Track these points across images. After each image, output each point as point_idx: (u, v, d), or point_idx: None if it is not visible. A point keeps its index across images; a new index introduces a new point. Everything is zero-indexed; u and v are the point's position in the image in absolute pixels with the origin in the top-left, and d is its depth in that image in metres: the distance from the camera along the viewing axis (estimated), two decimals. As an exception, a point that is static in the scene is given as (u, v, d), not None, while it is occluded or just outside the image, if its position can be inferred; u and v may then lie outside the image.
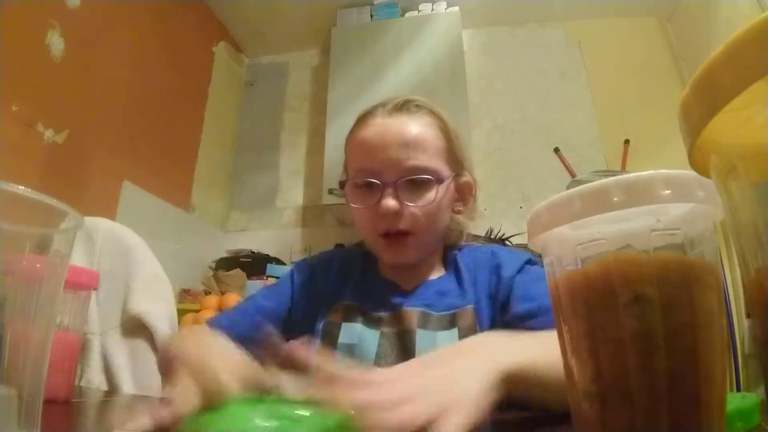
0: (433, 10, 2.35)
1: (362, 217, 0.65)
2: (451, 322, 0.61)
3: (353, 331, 0.62)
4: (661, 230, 0.21)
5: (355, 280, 0.69)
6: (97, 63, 1.65)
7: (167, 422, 0.26)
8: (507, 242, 1.49)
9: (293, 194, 2.45)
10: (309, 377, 0.28)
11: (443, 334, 0.60)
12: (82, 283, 0.55)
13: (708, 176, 0.19)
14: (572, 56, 2.38)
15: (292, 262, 2.16)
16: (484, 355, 0.34)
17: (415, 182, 0.62)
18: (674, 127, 0.20)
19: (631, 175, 0.21)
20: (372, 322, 0.63)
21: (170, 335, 0.62)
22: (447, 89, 2.12)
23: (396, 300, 0.64)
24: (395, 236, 0.63)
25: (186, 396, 0.30)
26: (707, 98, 0.16)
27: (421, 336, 0.59)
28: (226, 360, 0.37)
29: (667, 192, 0.20)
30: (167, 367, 0.48)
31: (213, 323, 0.63)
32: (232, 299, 1.82)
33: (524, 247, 0.68)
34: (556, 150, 2.22)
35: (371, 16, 2.38)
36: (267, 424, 0.24)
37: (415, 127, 0.63)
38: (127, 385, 0.76)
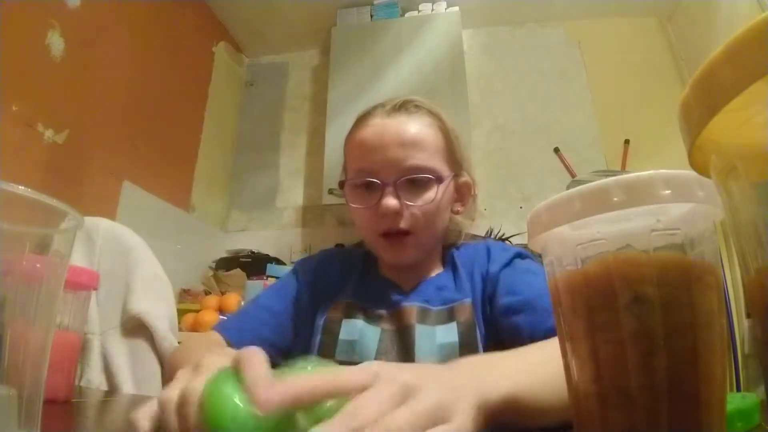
0: (433, 10, 2.35)
1: (362, 217, 0.65)
2: (450, 317, 0.61)
3: (354, 327, 0.62)
4: (661, 230, 0.21)
5: (356, 280, 0.69)
6: (97, 63, 1.65)
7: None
8: (507, 242, 1.49)
9: (293, 194, 2.45)
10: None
11: (442, 329, 0.60)
12: (82, 283, 0.55)
13: (708, 176, 0.19)
14: (572, 56, 2.38)
15: (292, 262, 2.16)
16: (467, 388, 0.31)
17: (415, 182, 0.62)
18: (674, 127, 0.20)
19: (631, 175, 0.21)
20: (373, 319, 0.63)
21: (175, 348, 0.63)
22: (447, 89, 2.12)
23: (395, 298, 0.64)
24: (395, 236, 0.63)
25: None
26: (707, 98, 0.16)
27: (420, 331, 0.60)
28: (226, 353, 0.37)
29: (667, 192, 0.20)
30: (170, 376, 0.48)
31: (218, 327, 0.64)
32: (232, 299, 1.82)
33: (524, 247, 0.69)
34: (556, 150, 2.22)
35: (371, 16, 2.38)
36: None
37: (415, 126, 0.64)
38: (127, 385, 0.76)
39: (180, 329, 1.53)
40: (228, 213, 2.47)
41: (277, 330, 0.65)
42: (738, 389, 1.49)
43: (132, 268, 0.83)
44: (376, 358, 0.59)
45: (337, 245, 1.95)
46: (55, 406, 0.48)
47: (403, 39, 2.26)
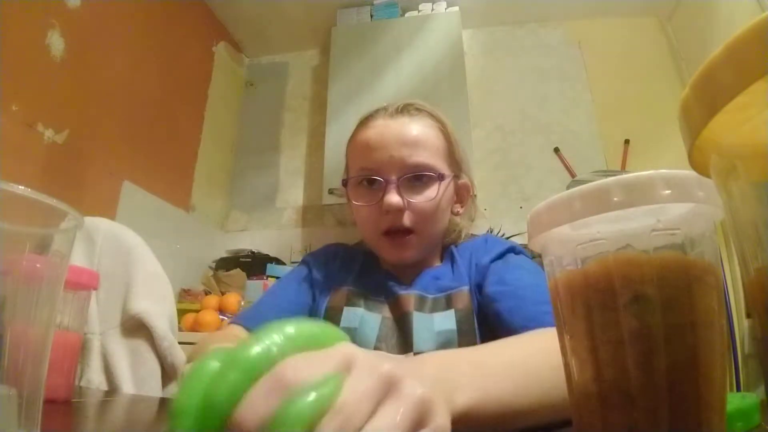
0: (433, 10, 2.35)
1: (364, 216, 0.66)
2: (447, 304, 0.62)
3: (355, 315, 0.63)
4: (661, 230, 0.21)
5: (356, 274, 0.70)
6: (97, 63, 1.65)
7: None
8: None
9: (293, 194, 2.45)
10: None
11: (440, 316, 0.61)
12: (82, 283, 0.55)
13: (708, 176, 0.19)
14: (572, 56, 2.38)
15: (292, 262, 2.16)
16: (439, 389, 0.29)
17: (417, 179, 0.64)
18: (674, 127, 0.20)
19: (631, 175, 0.21)
20: (373, 307, 0.64)
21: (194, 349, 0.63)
22: (447, 89, 2.12)
23: (394, 288, 0.65)
24: (397, 235, 0.64)
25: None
26: (707, 98, 0.16)
27: (417, 318, 0.61)
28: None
29: (667, 192, 0.20)
30: None
31: (236, 320, 0.65)
32: (232, 299, 1.82)
33: (524, 247, 0.69)
34: (556, 150, 2.22)
35: (371, 16, 2.38)
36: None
37: (416, 128, 0.65)
38: (127, 385, 0.76)
39: (180, 329, 1.53)
40: (228, 213, 2.48)
41: (295, 313, 0.66)
42: (738, 389, 1.49)
43: (132, 267, 0.83)
44: (375, 346, 0.60)
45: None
46: (55, 406, 0.48)
47: (403, 39, 2.26)
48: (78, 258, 0.81)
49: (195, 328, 1.67)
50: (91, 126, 1.61)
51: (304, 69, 2.68)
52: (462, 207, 0.72)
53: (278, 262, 2.09)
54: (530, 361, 0.37)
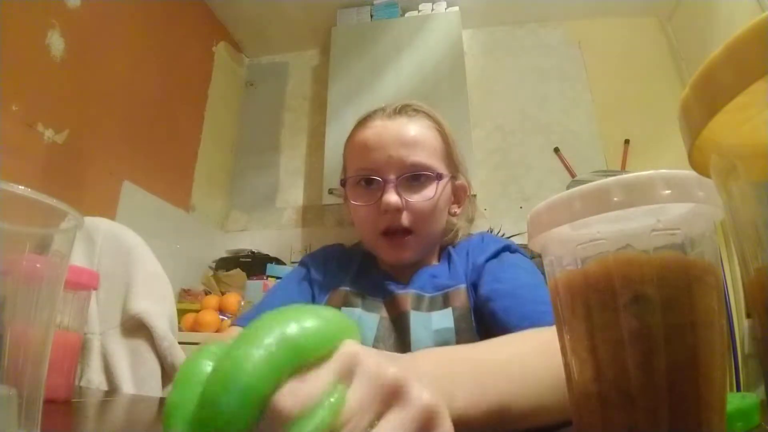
0: (433, 10, 2.35)
1: (363, 216, 0.66)
2: (445, 303, 0.62)
3: (352, 315, 0.63)
4: (661, 230, 0.21)
5: (354, 274, 0.70)
6: (97, 63, 1.65)
7: None
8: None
9: (293, 194, 2.45)
10: None
11: (437, 315, 0.61)
12: (82, 283, 0.55)
13: (708, 176, 0.19)
14: (572, 56, 2.38)
15: (292, 262, 2.16)
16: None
17: (416, 179, 0.64)
18: (674, 127, 0.20)
19: (631, 175, 0.21)
20: (370, 307, 0.65)
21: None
22: (447, 89, 2.12)
23: (392, 288, 0.65)
24: (396, 236, 0.64)
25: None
26: (707, 98, 0.16)
27: (415, 317, 0.60)
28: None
29: (667, 192, 0.20)
30: None
31: (238, 322, 0.65)
32: (232, 299, 1.82)
33: (524, 247, 0.69)
34: (556, 150, 2.22)
35: (371, 16, 2.38)
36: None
37: (414, 128, 0.66)
38: (127, 385, 0.76)
39: (180, 329, 1.53)
40: (228, 213, 2.48)
41: None
42: (738, 389, 1.49)
43: (132, 267, 0.83)
44: (373, 346, 0.60)
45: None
46: (55, 406, 0.48)
47: (403, 39, 2.26)
48: (78, 258, 0.81)
49: (195, 328, 1.67)
50: (91, 126, 1.61)
51: (304, 69, 2.68)
52: (459, 207, 0.72)
53: (278, 262, 2.09)
54: (527, 361, 0.36)
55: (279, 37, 2.61)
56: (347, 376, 0.21)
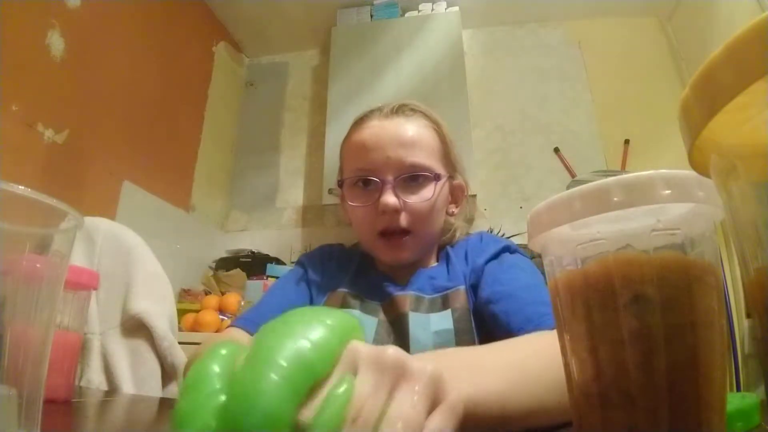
0: (433, 10, 2.35)
1: (360, 216, 0.66)
2: (444, 304, 0.62)
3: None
4: (661, 230, 0.21)
5: (352, 275, 0.70)
6: (97, 63, 1.65)
7: None
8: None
9: (293, 194, 2.45)
10: None
11: (436, 316, 0.61)
12: (82, 283, 0.55)
13: (708, 176, 0.19)
14: (572, 56, 2.38)
15: (292, 262, 2.16)
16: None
17: (413, 179, 0.64)
18: (674, 127, 0.20)
19: (631, 175, 0.21)
20: (369, 310, 0.64)
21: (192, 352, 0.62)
22: (447, 89, 2.12)
23: (390, 289, 0.65)
24: (394, 236, 0.63)
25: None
26: (707, 98, 0.16)
27: (414, 318, 0.60)
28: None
29: (667, 192, 0.20)
30: None
31: (236, 323, 0.64)
32: (232, 299, 1.82)
33: (524, 247, 0.69)
34: (556, 150, 2.22)
35: (371, 16, 2.38)
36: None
37: (412, 128, 0.65)
38: (127, 385, 0.76)
39: (180, 329, 1.53)
40: (228, 213, 2.48)
41: None
42: (738, 389, 1.49)
43: (132, 267, 0.83)
44: None
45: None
46: (55, 406, 0.48)
47: (403, 39, 2.26)
48: (78, 258, 0.81)
49: (195, 328, 1.67)
50: (91, 126, 1.61)
51: (304, 69, 2.68)
52: (457, 207, 0.72)
53: (278, 262, 2.09)
54: (527, 363, 0.36)
55: (279, 37, 2.61)
56: (352, 368, 0.22)
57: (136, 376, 0.77)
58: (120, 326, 0.80)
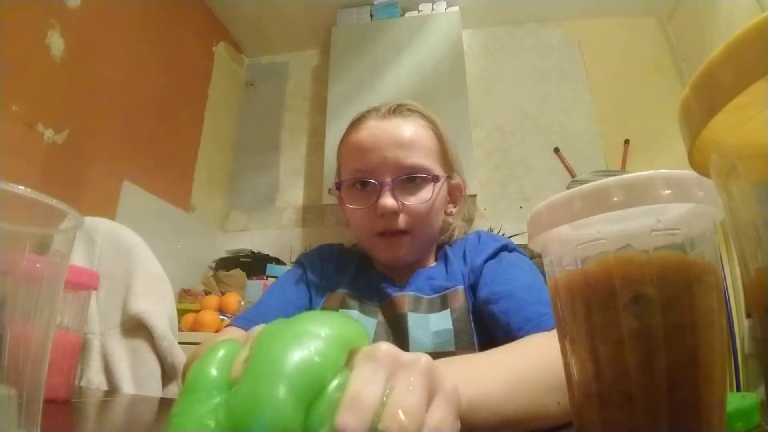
0: (433, 10, 2.35)
1: (358, 218, 0.65)
2: (443, 304, 0.62)
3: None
4: (661, 230, 0.21)
5: (351, 275, 0.70)
6: (97, 63, 1.65)
7: None
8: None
9: (293, 194, 2.45)
10: None
11: (435, 316, 0.61)
12: (82, 283, 0.55)
13: (708, 176, 0.19)
14: (572, 56, 2.38)
15: (292, 262, 2.16)
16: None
17: (412, 181, 0.63)
18: (674, 127, 0.20)
19: (631, 175, 0.21)
20: (368, 310, 0.64)
21: (191, 353, 0.62)
22: (447, 89, 2.12)
23: (389, 290, 0.65)
24: (392, 235, 0.63)
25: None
26: (707, 98, 0.16)
27: (413, 319, 0.60)
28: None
29: (667, 192, 0.20)
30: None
31: (235, 322, 0.64)
32: (232, 299, 1.82)
33: (524, 247, 0.69)
34: (556, 150, 2.22)
35: (371, 16, 2.38)
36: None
37: (410, 128, 0.65)
38: (127, 385, 0.76)
39: (180, 329, 1.53)
40: (228, 213, 2.48)
41: (294, 313, 0.65)
42: (738, 389, 1.49)
43: (132, 267, 0.83)
44: None
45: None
46: (55, 406, 0.48)
47: (403, 39, 2.26)
48: (78, 258, 0.81)
49: (195, 328, 1.67)
50: (91, 126, 1.61)
51: (304, 69, 2.68)
52: (455, 207, 0.72)
53: (278, 262, 2.09)
54: (525, 365, 0.37)
55: (279, 37, 2.61)
56: (349, 366, 0.22)
57: (136, 376, 0.77)
58: (120, 326, 0.80)
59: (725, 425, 0.22)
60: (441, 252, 0.72)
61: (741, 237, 0.17)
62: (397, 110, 0.67)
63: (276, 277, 1.90)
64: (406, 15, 2.37)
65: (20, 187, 0.23)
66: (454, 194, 0.71)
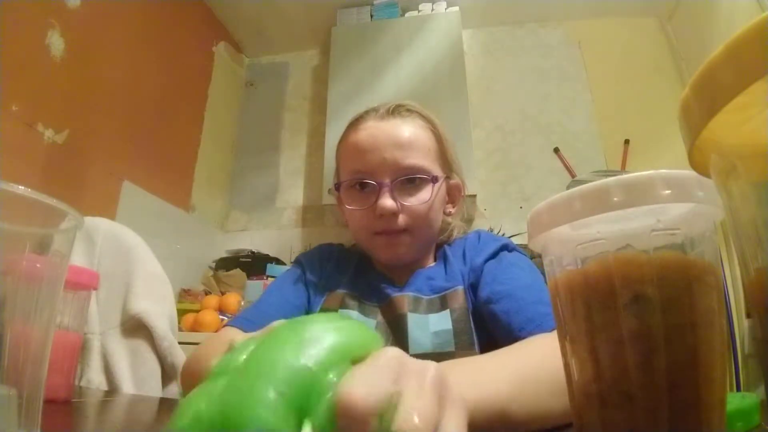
0: (433, 10, 2.35)
1: (357, 219, 0.65)
2: (442, 304, 0.62)
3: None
4: (661, 230, 0.21)
5: (351, 275, 0.70)
6: (97, 63, 1.65)
7: None
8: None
9: (293, 194, 2.45)
10: None
11: (435, 317, 0.61)
12: (82, 283, 0.55)
13: (708, 176, 0.19)
14: (572, 56, 2.38)
15: (292, 262, 2.16)
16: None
17: (411, 182, 0.63)
18: (674, 127, 0.20)
19: (631, 175, 0.21)
20: (367, 311, 0.64)
21: (192, 352, 0.61)
22: (447, 89, 2.12)
23: (388, 290, 0.65)
24: (391, 234, 0.63)
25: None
26: (707, 98, 0.16)
27: (412, 319, 0.60)
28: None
29: (667, 192, 0.20)
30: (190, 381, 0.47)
31: (233, 322, 0.63)
32: (232, 299, 1.82)
33: (524, 247, 0.69)
34: (556, 150, 2.22)
35: (371, 16, 2.38)
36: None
37: (408, 129, 0.65)
38: (127, 385, 0.76)
39: (180, 329, 1.53)
40: (228, 213, 2.48)
41: (293, 314, 0.65)
42: (738, 389, 1.49)
43: (132, 267, 0.83)
44: None
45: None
46: (55, 406, 0.48)
47: (403, 39, 2.26)
48: (78, 258, 0.81)
49: (195, 328, 1.67)
50: (91, 126, 1.61)
51: (304, 69, 2.68)
52: (454, 207, 0.72)
53: (278, 262, 2.09)
54: (528, 367, 0.37)
55: (279, 37, 2.61)
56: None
57: (136, 376, 0.77)
58: (120, 326, 0.80)
59: (725, 425, 0.22)
60: (440, 252, 0.72)
61: (741, 237, 0.17)
62: (395, 111, 0.67)
63: (276, 277, 1.90)
64: (406, 15, 2.37)
65: (20, 187, 0.23)
66: (453, 194, 0.71)
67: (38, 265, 0.26)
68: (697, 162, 0.18)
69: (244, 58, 2.75)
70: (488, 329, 0.58)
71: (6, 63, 1.26)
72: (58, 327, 0.51)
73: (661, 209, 0.21)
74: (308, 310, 0.67)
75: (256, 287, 1.85)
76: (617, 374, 0.21)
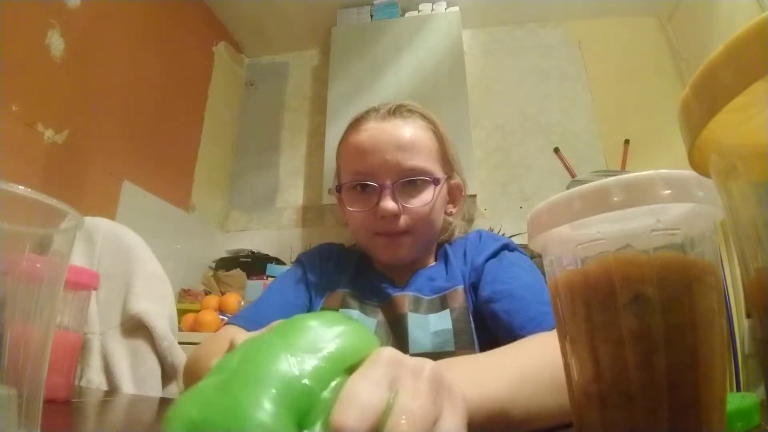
0: (433, 10, 2.35)
1: (359, 220, 0.65)
2: (442, 304, 0.62)
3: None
4: (661, 230, 0.21)
5: (351, 275, 0.70)
6: (97, 63, 1.65)
7: None
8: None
9: (293, 194, 2.45)
10: None
11: (435, 317, 0.61)
12: (82, 283, 0.55)
13: (708, 176, 0.19)
14: (572, 56, 2.38)
15: (292, 262, 2.16)
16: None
17: (412, 183, 0.63)
18: (674, 127, 0.20)
19: (631, 175, 0.21)
20: (368, 310, 0.64)
21: (192, 352, 0.61)
22: (447, 89, 2.12)
23: (389, 290, 0.65)
24: (392, 235, 0.63)
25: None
26: (707, 98, 0.16)
27: (412, 319, 0.60)
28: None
29: (667, 192, 0.20)
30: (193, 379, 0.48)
31: (234, 320, 0.63)
32: (232, 299, 1.82)
33: (524, 247, 0.69)
34: (556, 150, 2.22)
35: (371, 16, 2.38)
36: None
37: (410, 130, 0.65)
38: (127, 385, 0.76)
39: (180, 329, 1.53)
40: (228, 213, 2.47)
41: (293, 314, 0.65)
42: (738, 389, 1.49)
43: (132, 267, 0.83)
44: None
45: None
46: (55, 406, 0.48)
47: (403, 39, 2.26)
48: (78, 258, 0.81)
49: (195, 328, 1.67)
50: (91, 126, 1.61)
51: (304, 69, 2.68)
52: (455, 207, 0.72)
53: (278, 262, 2.09)
54: (528, 366, 0.37)
55: (279, 37, 2.61)
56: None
57: (136, 376, 0.77)
58: (120, 326, 0.80)
59: (725, 425, 0.22)
60: (441, 251, 0.72)
61: (741, 237, 0.17)
62: (396, 111, 0.67)
63: (276, 277, 1.90)
64: (406, 15, 2.37)
65: (20, 187, 0.23)
66: (454, 194, 0.71)
67: (38, 265, 0.26)
68: (697, 162, 0.18)
69: (244, 58, 2.75)
70: (489, 329, 0.58)
71: (6, 63, 1.26)
72: (58, 327, 0.51)
73: (661, 209, 0.21)
74: (309, 310, 0.67)
75: (256, 287, 1.85)
76: (617, 374, 0.21)
